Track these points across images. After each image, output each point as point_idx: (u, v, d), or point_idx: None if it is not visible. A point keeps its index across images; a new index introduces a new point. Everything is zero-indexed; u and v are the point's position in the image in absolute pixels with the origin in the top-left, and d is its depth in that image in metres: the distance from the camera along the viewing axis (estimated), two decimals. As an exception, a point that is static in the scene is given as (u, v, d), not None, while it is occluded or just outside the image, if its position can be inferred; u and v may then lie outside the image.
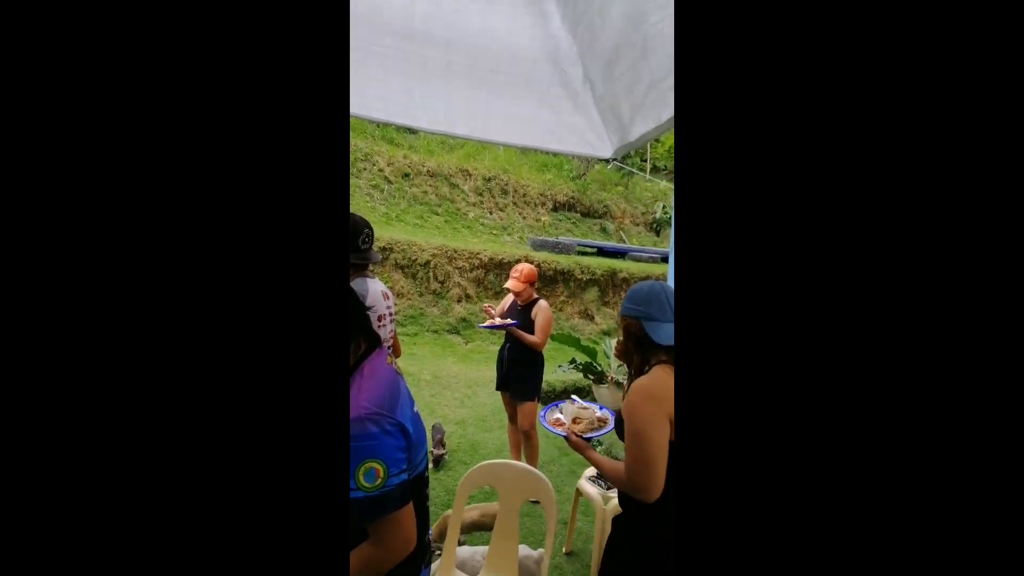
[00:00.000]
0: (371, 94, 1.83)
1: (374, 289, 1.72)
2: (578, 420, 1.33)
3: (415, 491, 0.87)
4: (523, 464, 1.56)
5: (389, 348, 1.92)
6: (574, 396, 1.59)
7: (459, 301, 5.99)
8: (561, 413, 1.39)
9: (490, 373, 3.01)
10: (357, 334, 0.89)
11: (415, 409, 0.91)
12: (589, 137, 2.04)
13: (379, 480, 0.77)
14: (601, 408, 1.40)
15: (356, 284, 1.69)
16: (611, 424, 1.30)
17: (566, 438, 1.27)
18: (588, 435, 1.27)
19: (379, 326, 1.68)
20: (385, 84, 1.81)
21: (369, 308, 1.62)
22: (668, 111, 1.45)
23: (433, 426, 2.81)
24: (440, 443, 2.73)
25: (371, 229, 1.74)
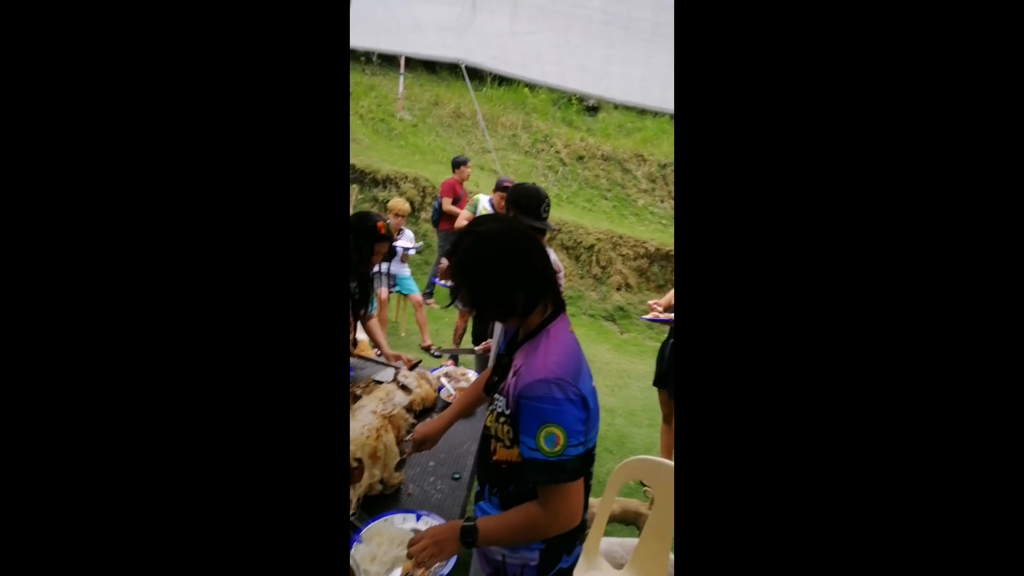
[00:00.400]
0: (567, 63, 1.79)
1: (553, 257, 1.75)
2: None
3: (586, 467, 0.86)
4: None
5: None
6: None
7: (619, 289, 5.82)
8: None
9: (643, 367, 2.85)
10: (544, 294, 0.88)
11: (592, 384, 0.89)
12: None
13: (559, 447, 0.76)
14: None
15: None
16: None
17: None
18: None
19: None
20: (584, 51, 1.74)
21: (556, 272, 1.63)
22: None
23: None
24: None
25: (549, 201, 1.84)
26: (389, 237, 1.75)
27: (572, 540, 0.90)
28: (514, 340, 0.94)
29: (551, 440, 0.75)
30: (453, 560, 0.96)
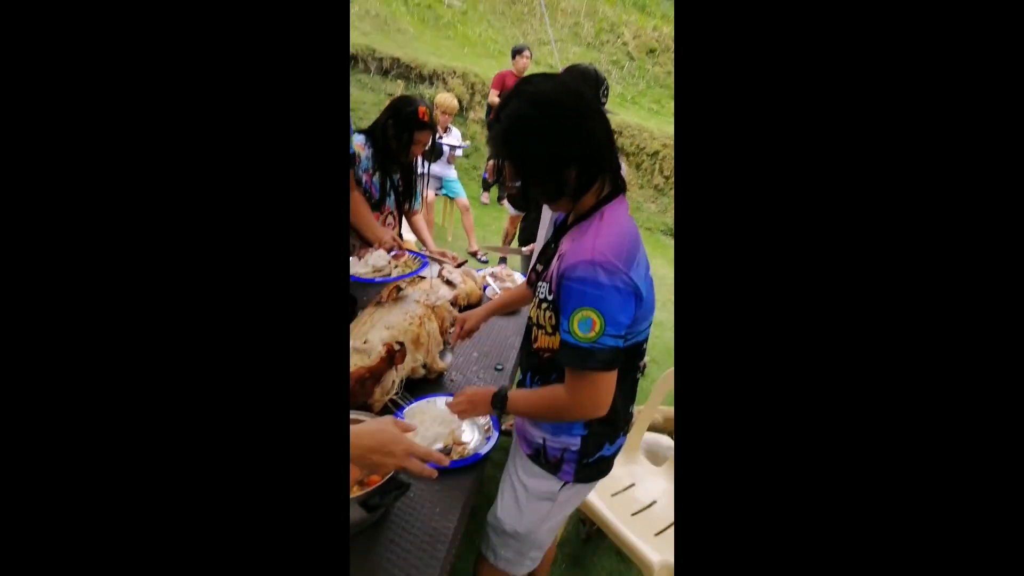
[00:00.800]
0: None
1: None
2: None
3: (628, 361, 0.80)
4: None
5: None
6: None
7: (681, 202, 5.40)
8: None
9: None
10: (601, 170, 0.77)
11: (650, 274, 0.79)
12: None
13: (593, 333, 0.70)
14: None
15: None
16: None
17: None
18: None
19: None
20: None
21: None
22: None
23: None
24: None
25: (608, 84, 1.77)
26: (432, 126, 1.61)
27: (615, 430, 0.88)
28: (563, 226, 0.85)
29: (585, 324, 0.71)
30: (494, 440, 0.98)
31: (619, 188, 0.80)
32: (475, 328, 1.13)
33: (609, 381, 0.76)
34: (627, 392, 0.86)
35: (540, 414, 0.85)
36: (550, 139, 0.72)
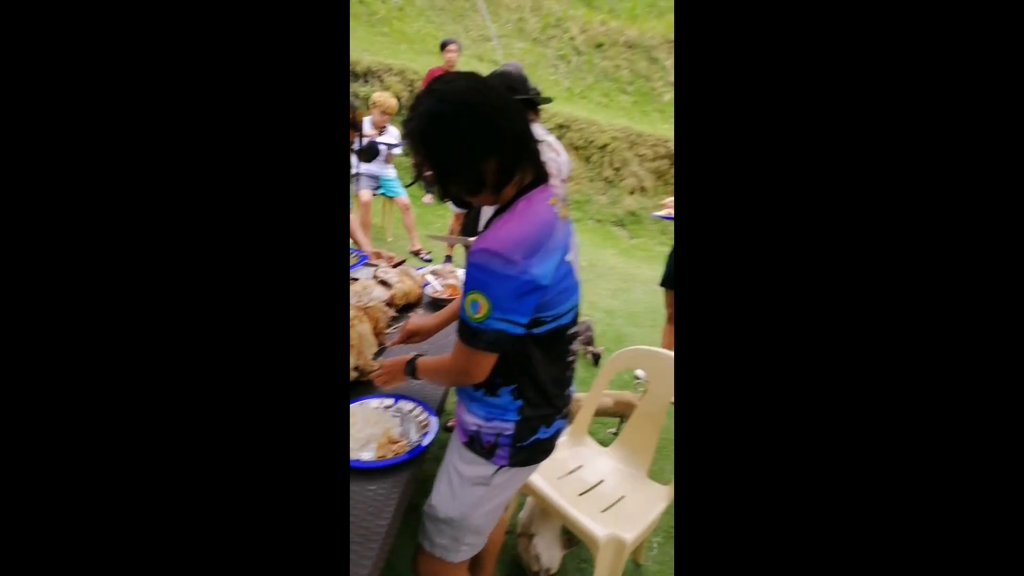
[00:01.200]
0: None
1: (562, 157, 1.61)
2: None
3: (554, 345, 0.84)
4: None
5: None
6: None
7: (632, 193, 5.52)
8: None
9: (650, 272, 2.77)
10: (520, 161, 0.79)
11: (568, 258, 0.82)
12: None
13: (480, 315, 0.76)
14: None
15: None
16: None
17: None
18: None
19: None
20: None
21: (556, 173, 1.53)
22: None
23: (582, 323, 2.75)
24: (593, 341, 2.65)
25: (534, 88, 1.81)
26: (356, 125, 1.60)
27: (550, 413, 0.90)
28: (491, 219, 0.86)
29: (474, 306, 0.76)
30: (432, 435, 0.97)
31: (541, 178, 0.82)
32: (422, 339, 1.17)
33: (487, 360, 0.80)
34: (558, 376, 0.89)
35: (435, 377, 0.94)
36: (463, 136, 0.74)
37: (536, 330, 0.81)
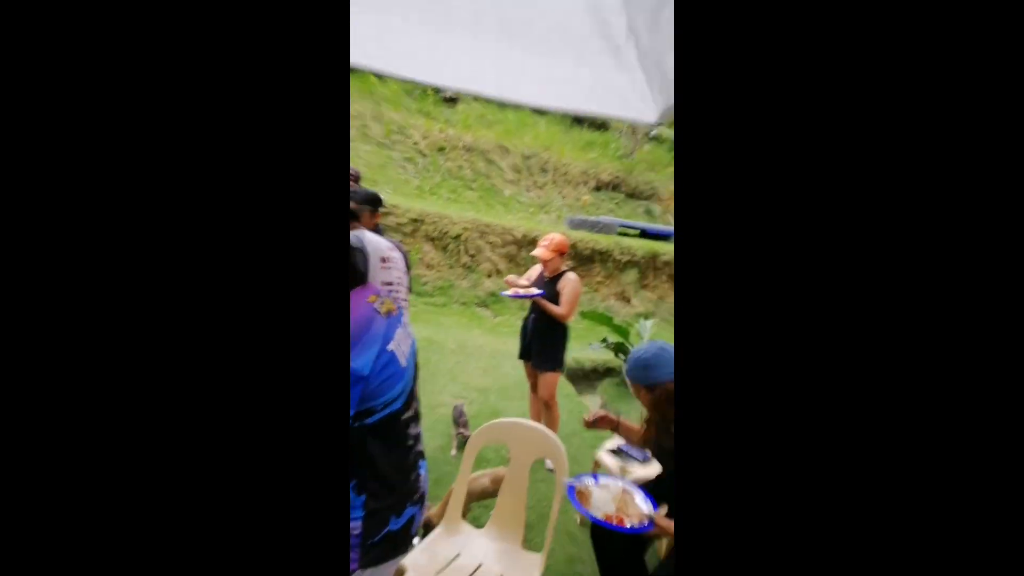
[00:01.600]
0: (395, 48, 1.77)
1: (384, 244, 1.72)
2: (624, 511, 1.21)
3: (393, 432, 0.88)
4: (534, 423, 1.54)
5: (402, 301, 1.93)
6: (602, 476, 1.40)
7: (489, 276, 6.00)
8: (598, 488, 1.28)
9: (515, 346, 3.00)
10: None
11: (389, 348, 0.89)
12: (632, 99, 1.88)
13: None
14: (646, 497, 1.27)
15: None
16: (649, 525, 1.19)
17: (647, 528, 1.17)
18: (632, 529, 1.17)
19: (384, 267, 1.68)
20: (409, 36, 1.74)
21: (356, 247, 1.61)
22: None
23: (457, 409, 2.80)
24: (466, 425, 2.67)
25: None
26: None
27: (399, 501, 0.91)
28: None
29: None
30: None
31: (357, 280, 0.91)
32: None
33: None
34: (400, 463, 0.91)
35: None
36: None
37: (368, 420, 0.84)
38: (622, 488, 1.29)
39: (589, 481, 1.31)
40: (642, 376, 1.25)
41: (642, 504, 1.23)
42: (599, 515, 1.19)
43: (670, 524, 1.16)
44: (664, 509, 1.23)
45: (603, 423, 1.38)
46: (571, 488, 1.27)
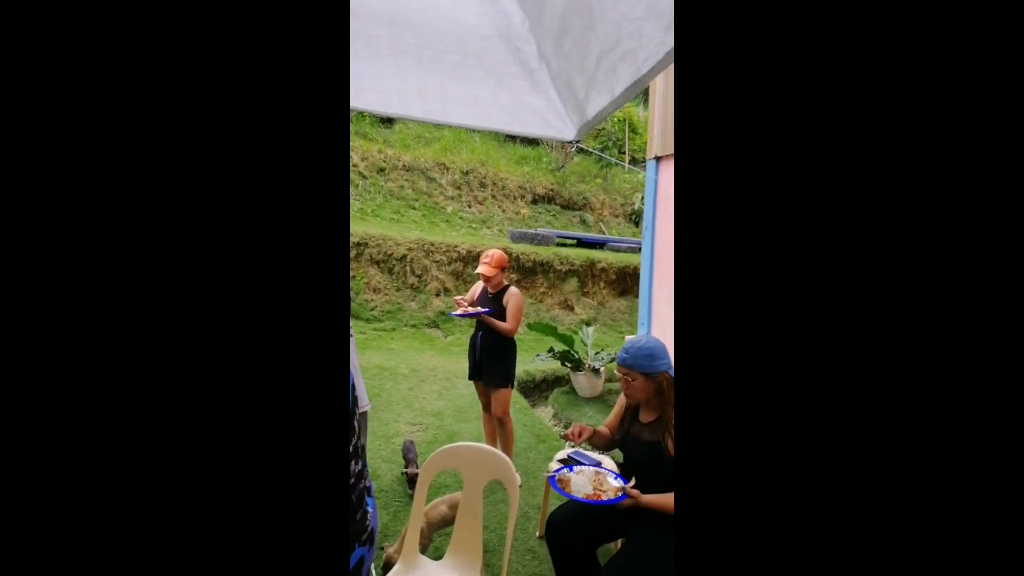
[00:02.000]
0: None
1: None
2: (600, 488, 1.40)
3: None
4: (483, 445, 1.55)
5: None
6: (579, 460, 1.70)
7: (437, 295, 5.96)
8: (575, 474, 1.47)
9: (467, 363, 3.00)
10: None
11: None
12: (550, 118, 2.00)
13: None
14: (616, 476, 1.47)
15: None
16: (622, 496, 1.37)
17: (621, 500, 1.35)
18: (611, 501, 1.36)
19: None
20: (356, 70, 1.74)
21: None
22: (620, 83, 1.44)
23: (404, 445, 2.73)
24: (413, 462, 2.59)
25: None
26: None
27: (354, 538, 0.88)
28: None
29: None
30: None
31: None
32: None
33: None
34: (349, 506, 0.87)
35: None
36: None
37: None
38: (594, 471, 1.48)
39: (565, 471, 1.49)
40: (646, 364, 1.40)
41: (613, 482, 1.42)
42: (581, 495, 1.36)
43: (639, 493, 1.33)
44: (632, 481, 1.40)
45: (585, 434, 1.52)
46: (552, 479, 1.44)
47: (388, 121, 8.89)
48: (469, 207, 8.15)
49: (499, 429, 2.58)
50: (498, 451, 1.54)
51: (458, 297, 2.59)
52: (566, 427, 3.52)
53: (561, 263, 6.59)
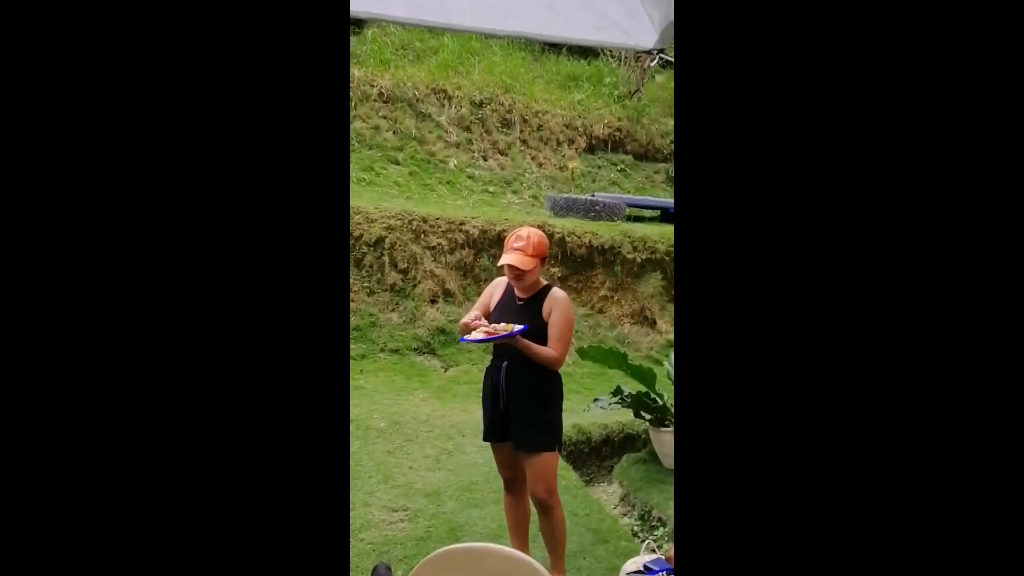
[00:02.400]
0: None
1: None
2: None
3: None
4: (505, 548, 1.53)
5: None
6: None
7: (433, 301, 6.00)
8: None
9: (480, 412, 2.99)
10: None
11: None
12: (622, 20, 1.98)
13: None
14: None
15: None
16: None
17: None
18: None
19: None
20: None
21: None
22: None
23: (374, 569, 2.74)
24: None
25: None
26: None
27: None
28: None
29: None
30: None
31: None
32: None
33: None
34: None
35: None
36: None
37: None
38: None
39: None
40: None
41: None
42: None
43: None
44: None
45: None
46: None
47: (357, 24, 9.01)
48: (484, 159, 8.19)
49: (541, 518, 2.54)
50: (529, 559, 1.50)
51: (470, 316, 2.47)
52: (641, 518, 3.48)
53: (635, 249, 6.54)
